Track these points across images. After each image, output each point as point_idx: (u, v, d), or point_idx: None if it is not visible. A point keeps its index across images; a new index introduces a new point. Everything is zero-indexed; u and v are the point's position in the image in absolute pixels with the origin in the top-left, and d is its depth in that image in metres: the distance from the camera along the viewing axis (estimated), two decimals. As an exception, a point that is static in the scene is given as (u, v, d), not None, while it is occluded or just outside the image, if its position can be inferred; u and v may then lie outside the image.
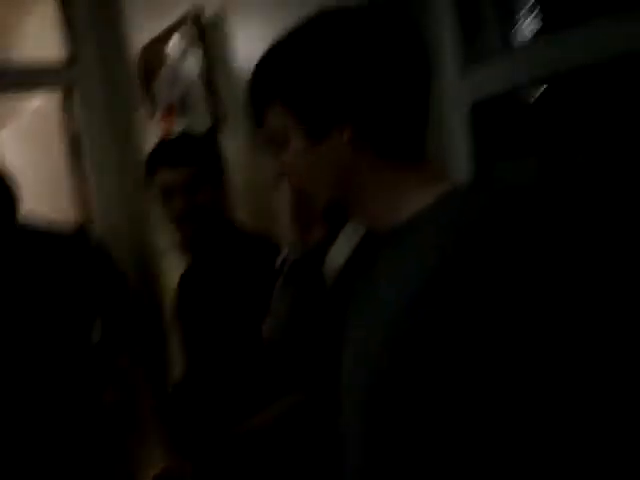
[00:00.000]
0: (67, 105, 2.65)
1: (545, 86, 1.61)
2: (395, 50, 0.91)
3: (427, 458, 0.78)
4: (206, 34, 2.03)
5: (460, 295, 0.75)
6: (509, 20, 1.64)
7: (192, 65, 2.07)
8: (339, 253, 1.12)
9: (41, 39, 2.88)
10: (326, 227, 1.04)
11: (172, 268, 2.27)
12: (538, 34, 1.61)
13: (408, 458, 0.80)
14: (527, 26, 1.65)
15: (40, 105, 3.04)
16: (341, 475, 0.95)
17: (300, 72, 0.91)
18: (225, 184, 1.80)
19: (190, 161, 1.70)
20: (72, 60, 2.60)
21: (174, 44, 2.13)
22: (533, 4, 1.65)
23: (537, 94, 1.64)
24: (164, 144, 1.81)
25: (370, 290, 0.93)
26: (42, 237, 2.05)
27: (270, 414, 1.60)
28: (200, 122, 2.05)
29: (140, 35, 2.36)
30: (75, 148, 2.66)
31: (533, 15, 1.65)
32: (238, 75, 1.96)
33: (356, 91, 0.89)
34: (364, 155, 0.92)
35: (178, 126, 2.16)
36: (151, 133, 2.34)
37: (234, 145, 2.00)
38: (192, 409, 1.67)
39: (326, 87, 0.90)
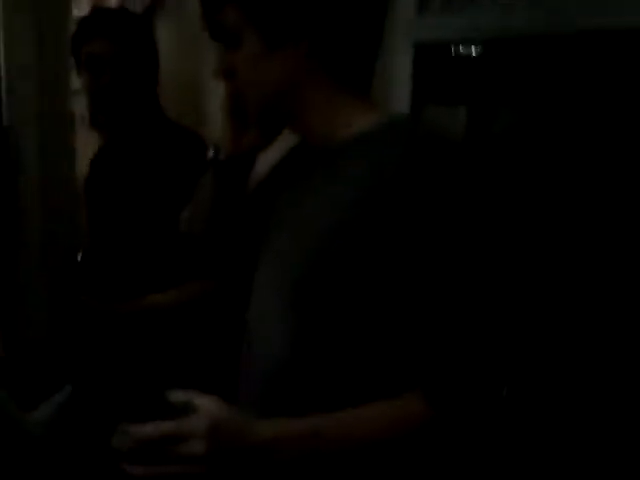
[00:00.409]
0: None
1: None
2: None
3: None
4: None
5: (392, 208, 0.85)
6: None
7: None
8: (267, 160, 1.13)
9: None
10: (260, 132, 1.05)
11: (86, 142, 2.21)
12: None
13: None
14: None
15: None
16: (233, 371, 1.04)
17: None
18: (158, 71, 1.75)
19: (127, 35, 1.64)
20: None
21: None
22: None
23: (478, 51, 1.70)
24: (100, 12, 1.72)
25: (314, 191, 0.96)
26: None
27: (175, 293, 1.63)
28: (136, 1, 1.96)
29: None
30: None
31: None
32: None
33: (317, 8, 0.90)
34: (314, 72, 0.93)
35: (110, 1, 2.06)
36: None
37: (168, 33, 1.93)
38: (96, 280, 1.66)
39: (290, 1, 0.89)
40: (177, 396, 0.81)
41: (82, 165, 2.38)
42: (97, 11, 1.74)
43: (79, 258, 1.70)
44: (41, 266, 2.48)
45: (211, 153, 1.07)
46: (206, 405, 0.81)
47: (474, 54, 1.74)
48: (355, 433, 0.87)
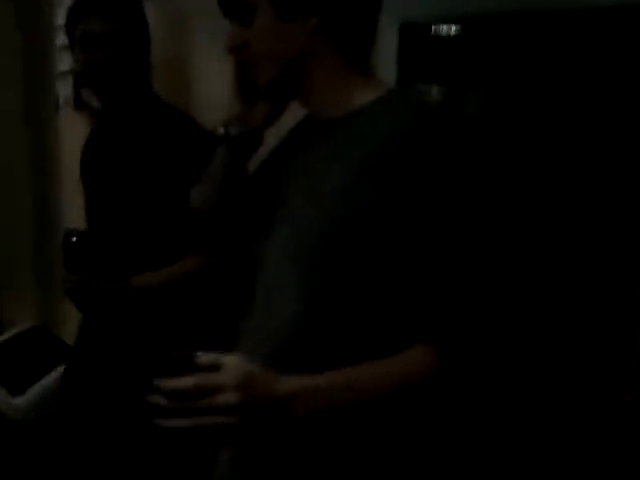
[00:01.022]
0: None
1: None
2: None
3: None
4: None
5: (398, 175, 0.91)
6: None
7: None
8: (275, 134, 1.18)
9: None
10: (269, 106, 1.10)
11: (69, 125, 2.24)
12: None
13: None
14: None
15: None
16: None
17: None
18: (150, 50, 1.78)
19: (120, 14, 1.68)
20: None
21: None
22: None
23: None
24: None
25: (324, 158, 1.02)
26: None
27: (176, 268, 1.68)
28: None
29: None
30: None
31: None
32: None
33: None
34: (323, 45, 1.00)
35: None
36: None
37: (156, 14, 1.96)
38: (95, 261, 1.70)
39: None
40: (203, 356, 0.85)
41: (67, 147, 2.41)
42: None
43: (74, 239, 1.73)
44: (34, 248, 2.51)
45: (222, 130, 1.12)
46: (233, 361, 0.86)
47: (454, 33, 1.79)
48: (372, 383, 0.93)
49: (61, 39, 2.18)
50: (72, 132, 2.24)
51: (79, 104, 2.17)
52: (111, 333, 1.76)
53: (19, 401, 2.37)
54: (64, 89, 2.34)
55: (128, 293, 1.66)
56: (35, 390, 2.40)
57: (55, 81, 2.37)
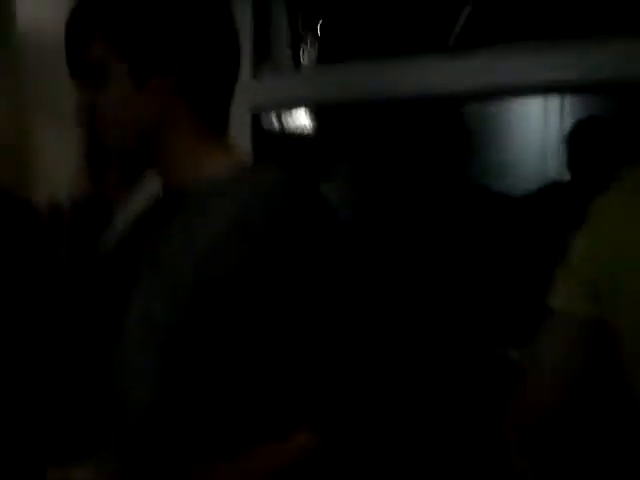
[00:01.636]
0: None
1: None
2: (222, 22, 0.98)
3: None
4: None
5: (247, 259, 0.86)
6: (298, 42, 1.79)
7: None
8: (130, 211, 1.11)
9: None
10: (121, 175, 1.03)
11: None
12: (319, 61, 1.79)
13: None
14: (309, 52, 1.81)
15: None
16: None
17: (135, 15, 0.93)
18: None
19: None
20: None
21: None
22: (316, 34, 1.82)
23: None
24: None
25: (169, 244, 0.96)
26: None
27: None
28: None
29: None
30: None
31: (314, 43, 1.81)
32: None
33: (184, 45, 0.93)
34: (180, 110, 0.95)
35: None
36: None
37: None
38: None
39: (159, 34, 0.92)
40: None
41: None
42: None
43: None
44: None
45: (69, 203, 1.04)
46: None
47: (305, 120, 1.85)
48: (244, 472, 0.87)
49: None
50: None
51: None
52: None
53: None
54: None
55: None
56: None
57: None
